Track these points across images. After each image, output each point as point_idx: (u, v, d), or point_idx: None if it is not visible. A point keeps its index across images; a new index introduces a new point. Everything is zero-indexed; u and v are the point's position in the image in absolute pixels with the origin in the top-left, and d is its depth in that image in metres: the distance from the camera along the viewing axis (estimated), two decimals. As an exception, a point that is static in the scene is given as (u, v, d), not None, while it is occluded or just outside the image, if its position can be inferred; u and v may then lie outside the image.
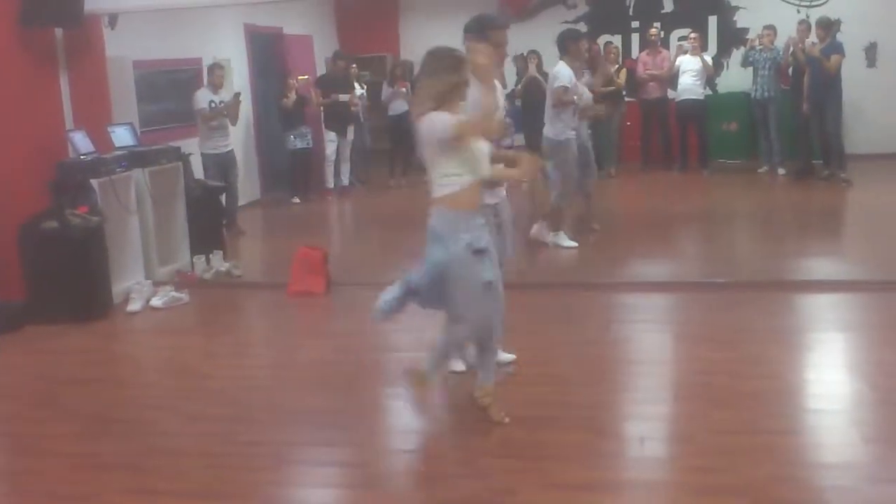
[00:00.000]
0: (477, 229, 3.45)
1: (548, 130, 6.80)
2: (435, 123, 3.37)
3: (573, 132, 6.87)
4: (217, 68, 8.30)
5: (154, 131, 7.69)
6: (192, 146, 7.91)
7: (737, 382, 3.98)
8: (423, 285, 3.47)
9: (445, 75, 3.40)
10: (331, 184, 10.56)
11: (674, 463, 3.40)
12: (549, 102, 6.78)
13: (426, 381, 3.71)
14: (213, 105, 8.08)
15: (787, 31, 10.10)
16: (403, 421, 3.96)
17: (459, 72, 3.41)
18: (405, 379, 3.76)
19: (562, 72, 6.69)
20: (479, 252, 3.42)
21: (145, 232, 6.30)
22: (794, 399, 3.92)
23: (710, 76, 10.89)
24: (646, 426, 3.66)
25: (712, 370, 4.19)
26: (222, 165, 8.13)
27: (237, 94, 8.42)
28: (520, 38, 8.38)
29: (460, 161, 3.41)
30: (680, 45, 11.05)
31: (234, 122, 8.43)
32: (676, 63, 10.71)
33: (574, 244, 6.97)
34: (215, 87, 8.19)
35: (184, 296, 5.93)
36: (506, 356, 4.22)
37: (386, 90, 11.21)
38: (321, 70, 11.34)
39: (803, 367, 4.37)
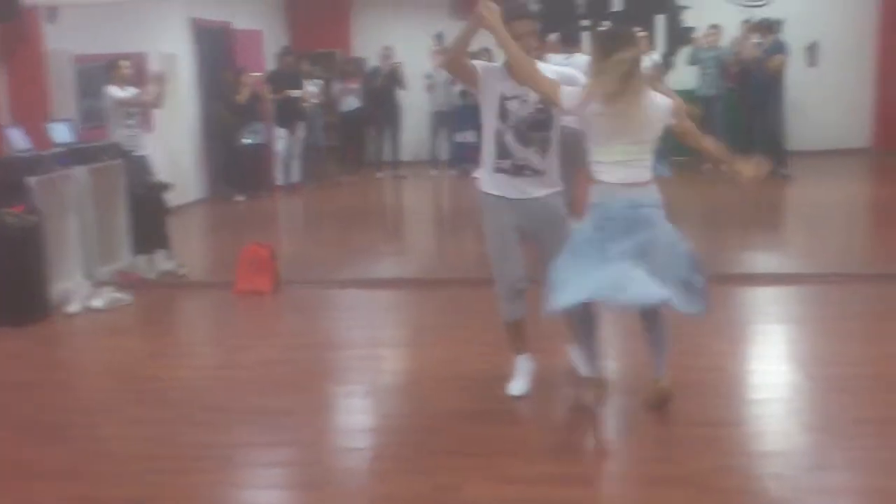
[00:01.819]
0: None
1: None
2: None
3: None
4: (120, 61, 7.46)
5: (96, 128, 7.50)
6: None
7: (680, 374, 4.01)
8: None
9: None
10: (281, 181, 10.47)
11: (619, 455, 3.44)
12: None
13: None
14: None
15: (732, 30, 10.30)
16: (352, 419, 3.95)
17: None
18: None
19: None
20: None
21: (85, 231, 6.14)
22: (735, 390, 4.00)
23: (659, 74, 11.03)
24: (592, 419, 3.69)
25: (657, 363, 4.24)
26: (145, 170, 7.35)
27: (160, 73, 7.76)
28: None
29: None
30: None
31: (160, 104, 7.74)
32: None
33: None
34: (122, 82, 7.40)
35: (125, 296, 5.81)
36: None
37: (336, 87, 11.16)
38: (271, 66, 11.23)
39: (745, 358, 4.45)
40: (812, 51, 11.43)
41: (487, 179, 3.76)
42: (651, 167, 3.47)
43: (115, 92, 7.26)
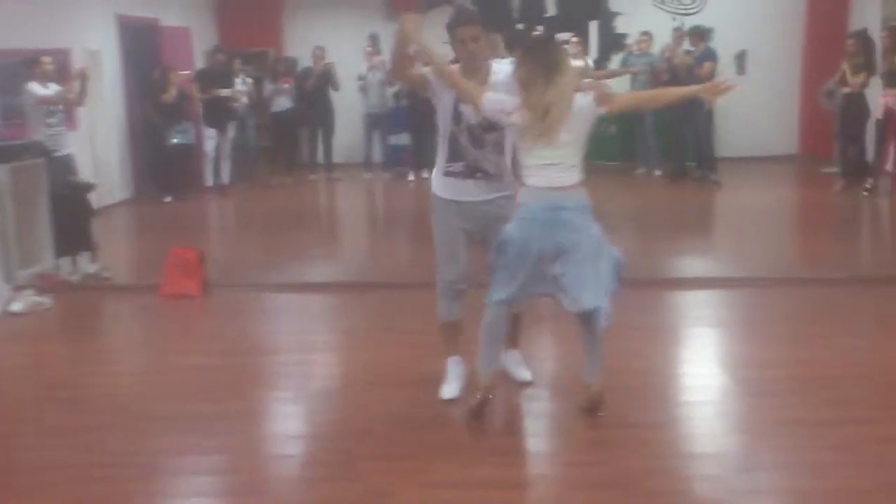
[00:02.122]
0: None
1: None
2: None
3: None
4: (42, 57, 7.16)
5: (16, 125, 7.20)
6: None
7: (610, 377, 4.04)
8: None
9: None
10: (210, 182, 10.25)
11: (551, 458, 3.46)
12: None
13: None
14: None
15: (663, 37, 10.51)
16: (282, 425, 3.87)
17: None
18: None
19: None
20: None
21: (4, 232, 5.88)
22: (665, 392, 4.05)
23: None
24: (524, 423, 3.69)
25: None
26: (68, 169, 7.02)
27: (82, 69, 7.48)
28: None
29: None
30: (561, 48, 11.28)
31: (83, 102, 7.48)
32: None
33: None
34: (44, 79, 7.11)
35: (46, 300, 5.59)
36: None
37: (268, 86, 10.98)
38: (199, 64, 10.98)
39: (674, 361, 4.51)
40: (741, 59, 11.73)
41: (438, 182, 3.78)
42: (579, 170, 3.51)
43: (37, 89, 7.00)
